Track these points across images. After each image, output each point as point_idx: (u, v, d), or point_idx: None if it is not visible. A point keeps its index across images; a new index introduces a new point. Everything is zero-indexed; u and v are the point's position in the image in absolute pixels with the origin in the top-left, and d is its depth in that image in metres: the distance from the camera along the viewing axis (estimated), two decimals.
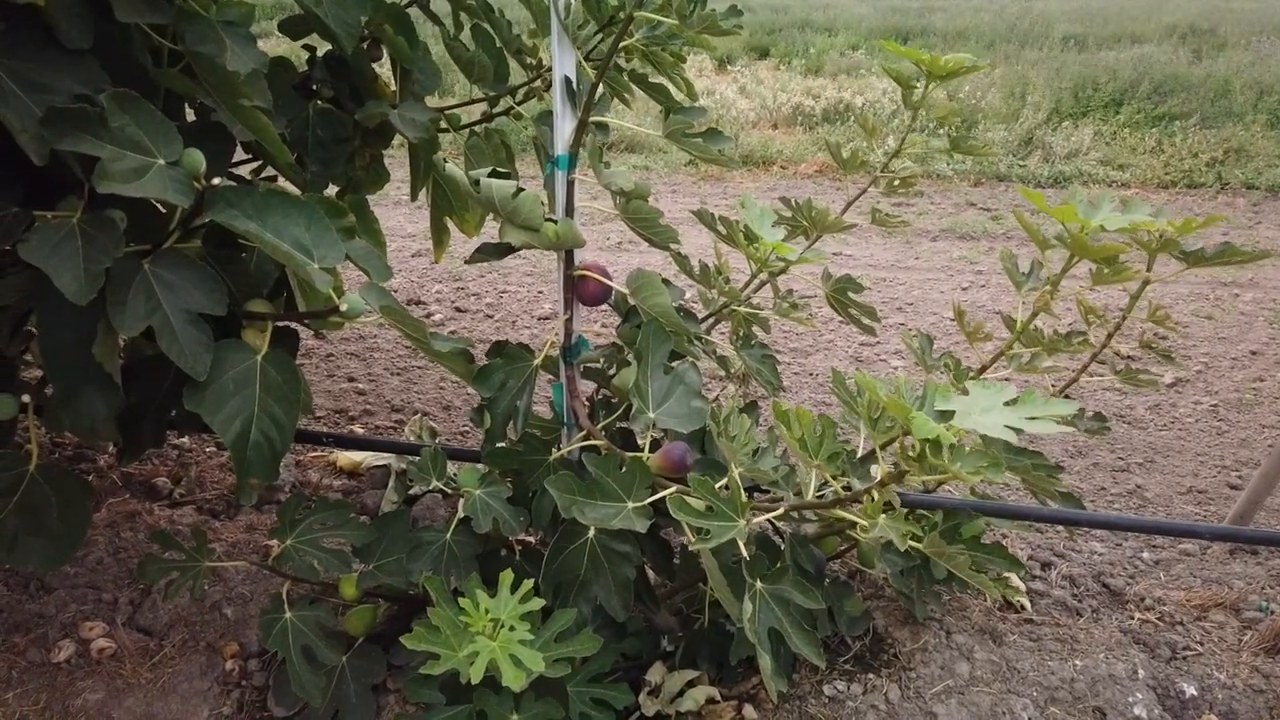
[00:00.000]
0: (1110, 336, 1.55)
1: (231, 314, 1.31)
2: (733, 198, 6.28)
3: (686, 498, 1.13)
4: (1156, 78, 7.86)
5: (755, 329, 1.91)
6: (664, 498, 1.28)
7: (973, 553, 1.05)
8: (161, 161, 1.15)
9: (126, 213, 1.21)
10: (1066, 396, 1.63)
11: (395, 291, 4.22)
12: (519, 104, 2.27)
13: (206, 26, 1.27)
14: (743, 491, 1.12)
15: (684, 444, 1.38)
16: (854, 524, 1.43)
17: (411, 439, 2.51)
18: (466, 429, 2.88)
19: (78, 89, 1.17)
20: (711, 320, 1.86)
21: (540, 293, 4.24)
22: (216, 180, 1.17)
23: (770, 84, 8.78)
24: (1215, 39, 10.09)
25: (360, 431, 2.84)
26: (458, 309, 4.06)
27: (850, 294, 1.89)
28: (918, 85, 1.83)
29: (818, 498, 1.22)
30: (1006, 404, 1.02)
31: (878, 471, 1.12)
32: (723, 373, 1.92)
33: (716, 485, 1.22)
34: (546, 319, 3.94)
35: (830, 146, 2.05)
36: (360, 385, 3.18)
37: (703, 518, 1.09)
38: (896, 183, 2.07)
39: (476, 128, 2.23)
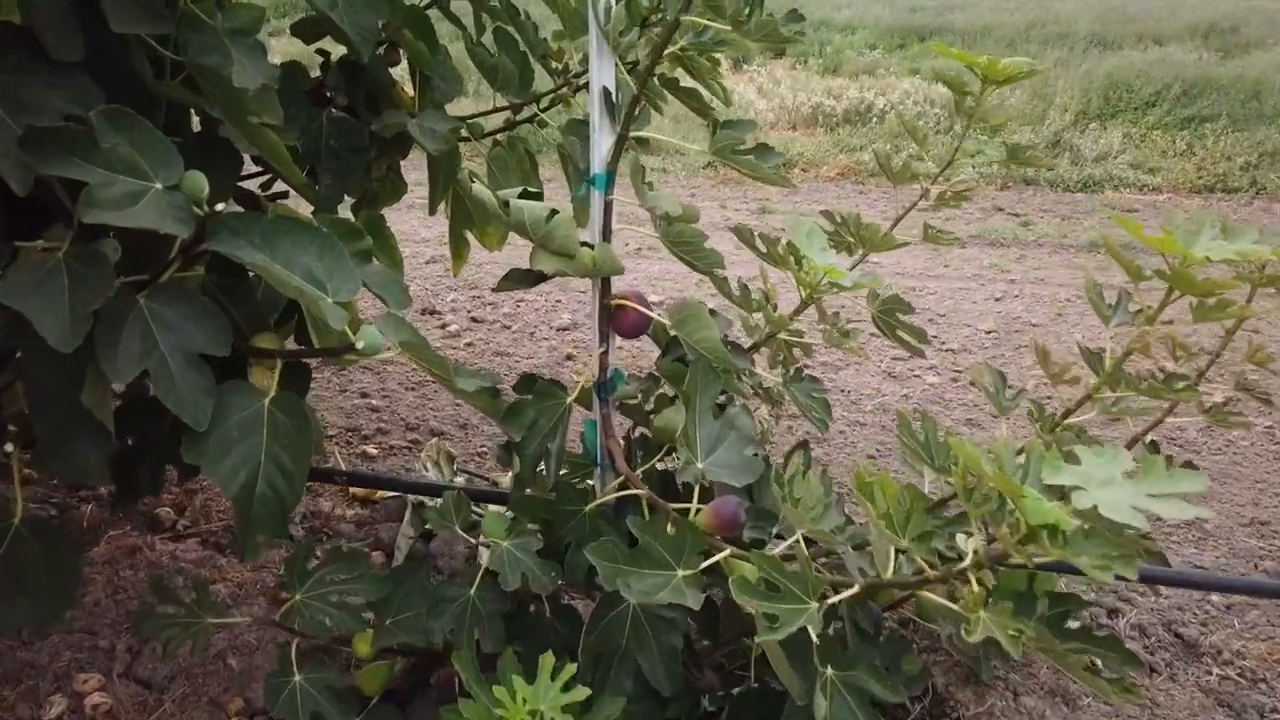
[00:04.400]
0: (1201, 375, 1.41)
1: (236, 350, 1.18)
2: (753, 202, 6.12)
3: (747, 574, 0.99)
4: (1185, 79, 7.66)
5: (796, 352, 1.78)
6: (717, 563, 1.15)
7: (1086, 646, 0.92)
8: (159, 185, 1.02)
9: (121, 240, 1.08)
10: (1153, 441, 1.49)
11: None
12: (544, 111, 2.14)
13: (212, 36, 1.14)
14: (813, 567, 0.98)
15: (736, 498, 1.25)
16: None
17: (427, 464, 2.38)
18: (484, 449, 2.75)
19: (68, 108, 1.04)
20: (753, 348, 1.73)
21: (559, 302, 4.11)
22: (220, 206, 1.04)
23: (788, 84, 8.62)
24: (1238, 38, 9.86)
25: (373, 451, 2.71)
26: (474, 319, 3.93)
27: (899, 315, 1.75)
28: (971, 91, 1.70)
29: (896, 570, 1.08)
30: (1125, 475, 0.88)
31: (967, 542, 0.98)
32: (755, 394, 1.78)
33: (775, 552, 1.09)
34: (565, 330, 3.81)
35: (878, 155, 1.90)
36: (373, 401, 3.05)
37: (769, 599, 0.95)
38: (949, 195, 1.93)
39: (499, 136, 2.10)
